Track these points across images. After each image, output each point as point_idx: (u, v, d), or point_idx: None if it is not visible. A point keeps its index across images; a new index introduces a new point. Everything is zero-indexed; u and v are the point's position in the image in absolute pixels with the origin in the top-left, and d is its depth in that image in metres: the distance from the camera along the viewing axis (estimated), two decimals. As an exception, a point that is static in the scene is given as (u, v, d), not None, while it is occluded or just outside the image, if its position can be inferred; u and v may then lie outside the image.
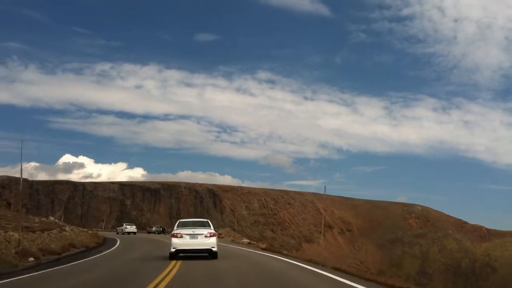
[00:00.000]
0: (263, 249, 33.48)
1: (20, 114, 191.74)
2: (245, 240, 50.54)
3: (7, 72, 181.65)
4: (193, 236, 20.27)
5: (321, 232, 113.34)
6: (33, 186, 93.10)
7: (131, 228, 67.23)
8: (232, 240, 49.57)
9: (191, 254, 20.62)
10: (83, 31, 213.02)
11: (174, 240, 20.21)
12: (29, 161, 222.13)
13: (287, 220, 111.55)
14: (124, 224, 70.44)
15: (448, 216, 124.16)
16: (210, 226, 21.27)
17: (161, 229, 75.09)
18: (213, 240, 20.52)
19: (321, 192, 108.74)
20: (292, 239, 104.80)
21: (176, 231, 20.67)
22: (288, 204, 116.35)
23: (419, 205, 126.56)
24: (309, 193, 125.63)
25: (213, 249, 20.44)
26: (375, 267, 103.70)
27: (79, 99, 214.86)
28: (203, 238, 20.33)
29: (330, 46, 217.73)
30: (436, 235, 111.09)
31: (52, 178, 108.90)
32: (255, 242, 48.72)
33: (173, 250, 20.09)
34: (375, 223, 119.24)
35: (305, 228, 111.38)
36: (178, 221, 22.44)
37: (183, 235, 20.22)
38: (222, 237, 47.48)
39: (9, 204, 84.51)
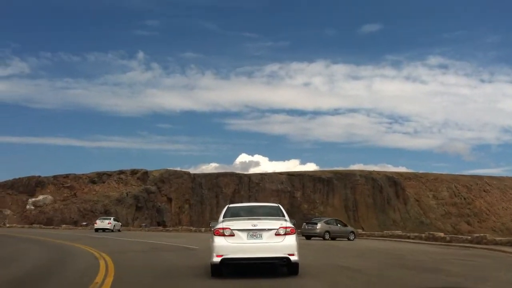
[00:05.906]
0: None
1: (201, 119, 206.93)
2: None
3: (187, 80, 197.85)
4: (254, 233, 10.84)
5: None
6: (195, 179, 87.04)
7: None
8: None
9: (251, 263, 11.13)
10: (252, 35, 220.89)
11: (218, 241, 10.89)
12: (210, 162, 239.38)
13: (485, 210, 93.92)
14: None
15: None
16: (283, 215, 11.78)
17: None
18: (291, 240, 10.89)
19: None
20: (494, 232, 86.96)
21: (221, 224, 11.19)
22: (484, 191, 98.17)
23: None
24: (508, 178, 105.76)
25: (292, 257, 10.81)
26: None
27: (252, 100, 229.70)
28: (272, 237, 10.81)
29: (509, 23, 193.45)
30: None
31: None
32: None
33: (217, 259, 10.78)
34: None
35: (508, 219, 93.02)
36: (226, 207, 12.76)
37: (234, 231, 10.85)
38: None
39: (169, 200, 78.20)
